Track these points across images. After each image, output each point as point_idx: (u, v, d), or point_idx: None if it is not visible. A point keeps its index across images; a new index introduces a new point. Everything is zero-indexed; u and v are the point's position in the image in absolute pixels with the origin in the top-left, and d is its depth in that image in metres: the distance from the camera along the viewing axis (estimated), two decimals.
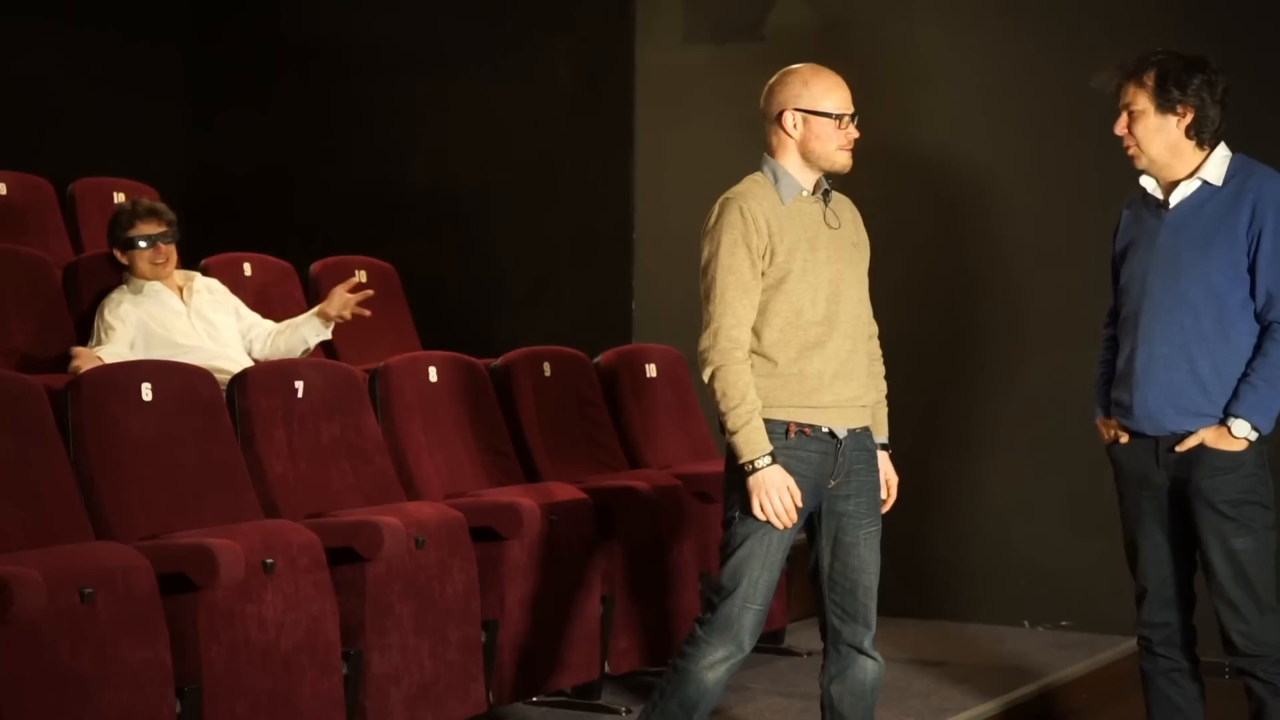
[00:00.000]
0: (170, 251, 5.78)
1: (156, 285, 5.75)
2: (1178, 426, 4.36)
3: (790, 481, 4.04)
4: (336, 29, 8.31)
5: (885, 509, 4.31)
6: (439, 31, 8.05)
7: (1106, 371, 4.59)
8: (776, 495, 4.03)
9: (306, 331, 5.87)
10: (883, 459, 4.32)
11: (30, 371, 5.13)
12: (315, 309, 5.93)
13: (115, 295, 5.74)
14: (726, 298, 4.07)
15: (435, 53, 8.05)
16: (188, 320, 5.73)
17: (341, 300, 5.87)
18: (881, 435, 4.34)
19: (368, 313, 5.93)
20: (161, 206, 5.82)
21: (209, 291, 5.89)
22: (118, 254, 5.79)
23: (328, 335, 5.93)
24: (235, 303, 5.97)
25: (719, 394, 4.06)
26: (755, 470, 4.03)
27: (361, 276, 6.76)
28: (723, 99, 7.30)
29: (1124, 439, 4.48)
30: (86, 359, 5.35)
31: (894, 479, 4.35)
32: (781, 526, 4.06)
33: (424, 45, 8.08)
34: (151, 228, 5.74)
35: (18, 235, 6.42)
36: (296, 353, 5.83)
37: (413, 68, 8.09)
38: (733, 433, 4.06)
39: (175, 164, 8.29)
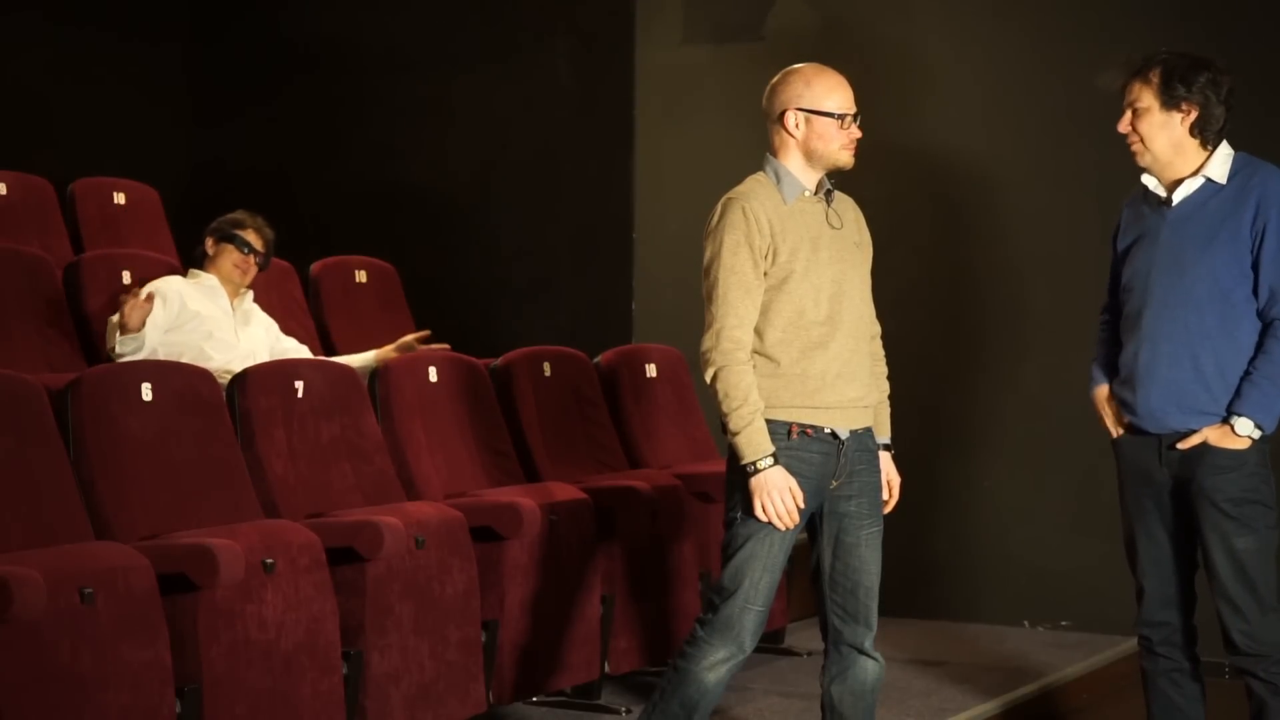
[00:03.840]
0: (253, 272, 5.91)
1: (214, 281, 5.81)
2: (1181, 425, 4.36)
3: (792, 482, 4.04)
4: (337, 29, 8.30)
5: (887, 510, 4.30)
6: (439, 31, 8.05)
7: (1107, 337, 4.57)
8: (778, 496, 4.02)
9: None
10: (885, 459, 4.31)
11: (30, 371, 5.12)
12: (380, 351, 5.98)
13: (172, 276, 5.85)
14: (729, 298, 4.06)
15: (435, 53, 8.04)
16: (230, 319, 5.76)
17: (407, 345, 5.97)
18: (884, 435, 4.33)
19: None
20: (272, 236, 5.96)
21: (254, 308, 5.95)
22: (210, 241, 5.87)
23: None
24: (270, 324, 5.99)
25: (721, 395, 4.05)
26: (757, 471, 4.02)
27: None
28: (723, 99, 7.30)
29: (1118, 431, 4.48)
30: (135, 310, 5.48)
31: (896, 479, 4.33)
32: (783, 528, 4.05)
33: (424, 45, 8.07)
34: (257, 242, 5.89)
35: (18, 235, 6.41)
36: None
37: (413, 68, 8.08)
38: (735, 434, 4.05)
39: (175, 164, 8.29)
